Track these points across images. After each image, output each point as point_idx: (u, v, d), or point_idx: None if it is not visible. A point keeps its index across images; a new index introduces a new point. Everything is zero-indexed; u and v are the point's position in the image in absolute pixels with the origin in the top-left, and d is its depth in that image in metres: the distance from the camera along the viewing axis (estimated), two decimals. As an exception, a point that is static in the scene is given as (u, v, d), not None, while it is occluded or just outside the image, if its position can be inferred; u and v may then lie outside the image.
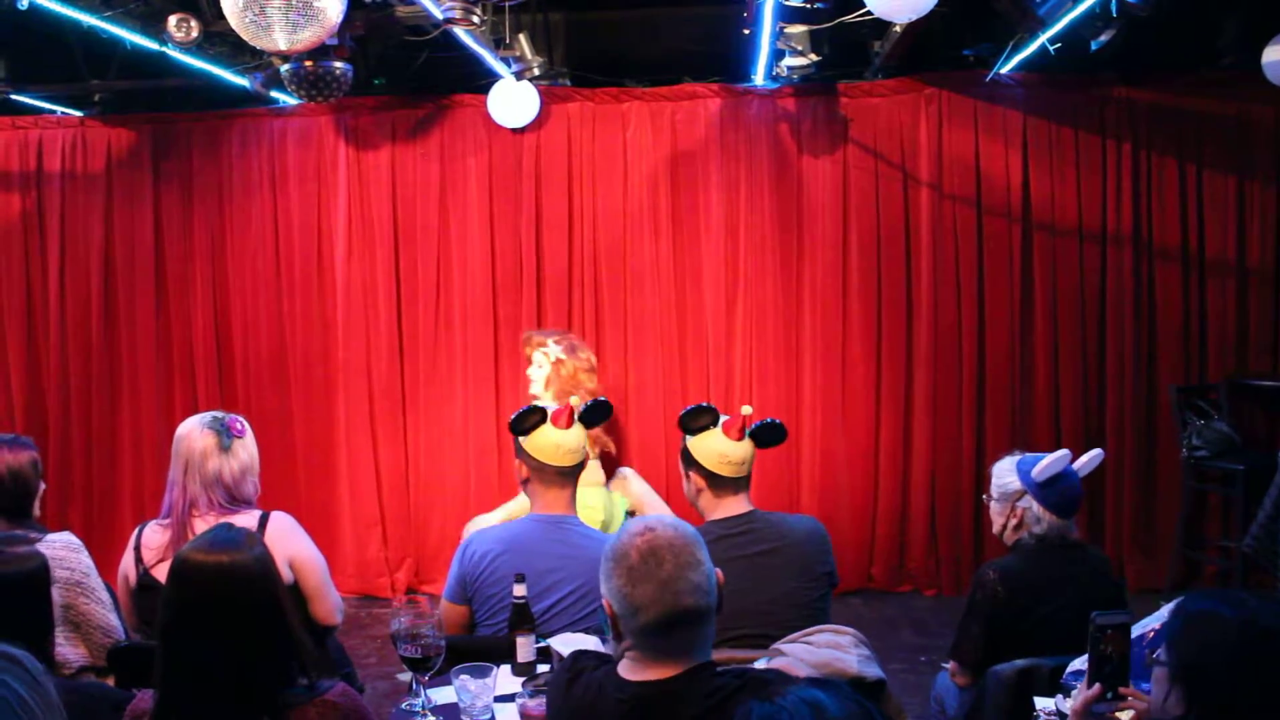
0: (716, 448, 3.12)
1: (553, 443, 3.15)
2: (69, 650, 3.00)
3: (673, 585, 1.93)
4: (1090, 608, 2.99)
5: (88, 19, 4.42)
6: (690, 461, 3.16)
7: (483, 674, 2.51)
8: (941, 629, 5.36)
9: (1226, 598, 1.96)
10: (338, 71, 4.79)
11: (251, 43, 3.68)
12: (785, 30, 4.99)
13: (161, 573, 3.03)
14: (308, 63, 4.72)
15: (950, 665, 3.24)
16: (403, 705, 2.64)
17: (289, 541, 3.11)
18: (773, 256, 6.03)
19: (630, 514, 5.05)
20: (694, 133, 6.04)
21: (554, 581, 3.02)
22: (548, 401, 4.81)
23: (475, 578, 3.06)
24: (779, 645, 2.72)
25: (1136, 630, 2.60)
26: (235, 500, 3.15)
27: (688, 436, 3.17)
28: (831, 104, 5.97)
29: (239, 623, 1.97)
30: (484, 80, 5.77)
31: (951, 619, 3.65)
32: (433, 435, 6.24)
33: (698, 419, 3.16)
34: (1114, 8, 4.28)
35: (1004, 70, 5.60)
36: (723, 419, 3.17)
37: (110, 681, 2.99)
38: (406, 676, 2.84)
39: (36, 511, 3.26)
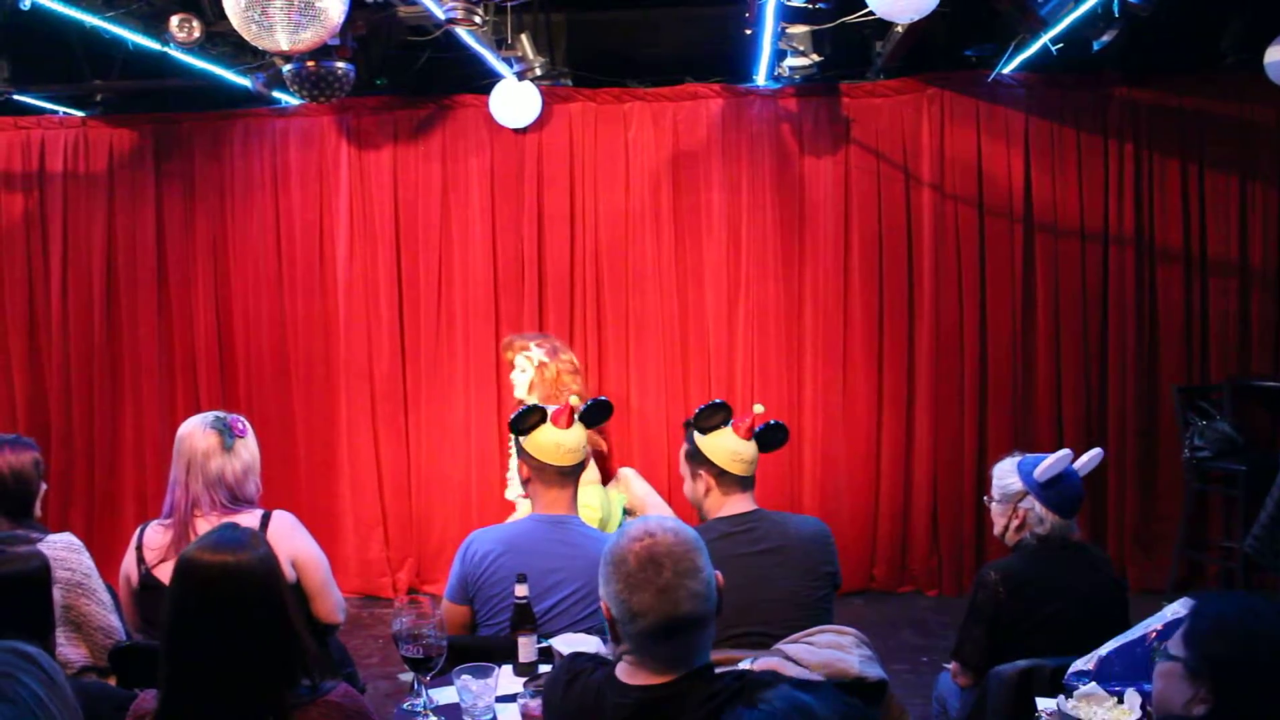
0: (729, 446, 3.13)
1: (553, 442, 3.16)
2: (70, 650, 3.00)
3: (671, 593, 1.92)
4: (1092, 608, 3.01)
5: (90, 19, 4.43)
6: (700, 459, 3.16)
7: (484, 674, 2.50)
8: (943, 629, 5.37)
9: (1249, 598, 1.97)
10: (340, 72, 4.79)
11: (253, 43, 3.68)
12: (787, 30, 4.99)
13: (163, 573, 3.03)
14: (310, 63, 4.72)
15: (952, 666, 3.24)
16: (404, 705, 2.64)
17: (291, 540, 3.11)
18: (774, 257, 6.03)
19: (628, 513, 5.05)
20: (696, 133, 6.04)
21: (556, 582, 3.02)
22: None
23: (477, 578, 3.06)
24: (780, 645, 2.72)
25: (1137, 631, 2.60)
26: (237, 500, 3.15)
27: (698, 434, 3.17)
28: (833, 104, 5.97)
29: (243, 623, 1.96)
30: (486, 80, 5.77)
31: (953, 619, 3.65)
32: (434, 435, 6.24)
33: (711, 417, 3.16)
34: (1116, 8, 4.28)
35: (1006, 70, 5.60)
36: (732, 418, 3.17)
37: (112, 682, 2.99)
38: (408, 676, 2.84)
39: (38, 512, 3.26)
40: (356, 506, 6.26)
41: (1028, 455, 3.26)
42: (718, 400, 3.22)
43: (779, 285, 6.04)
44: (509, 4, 4.90)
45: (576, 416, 3.22)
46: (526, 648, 2.78)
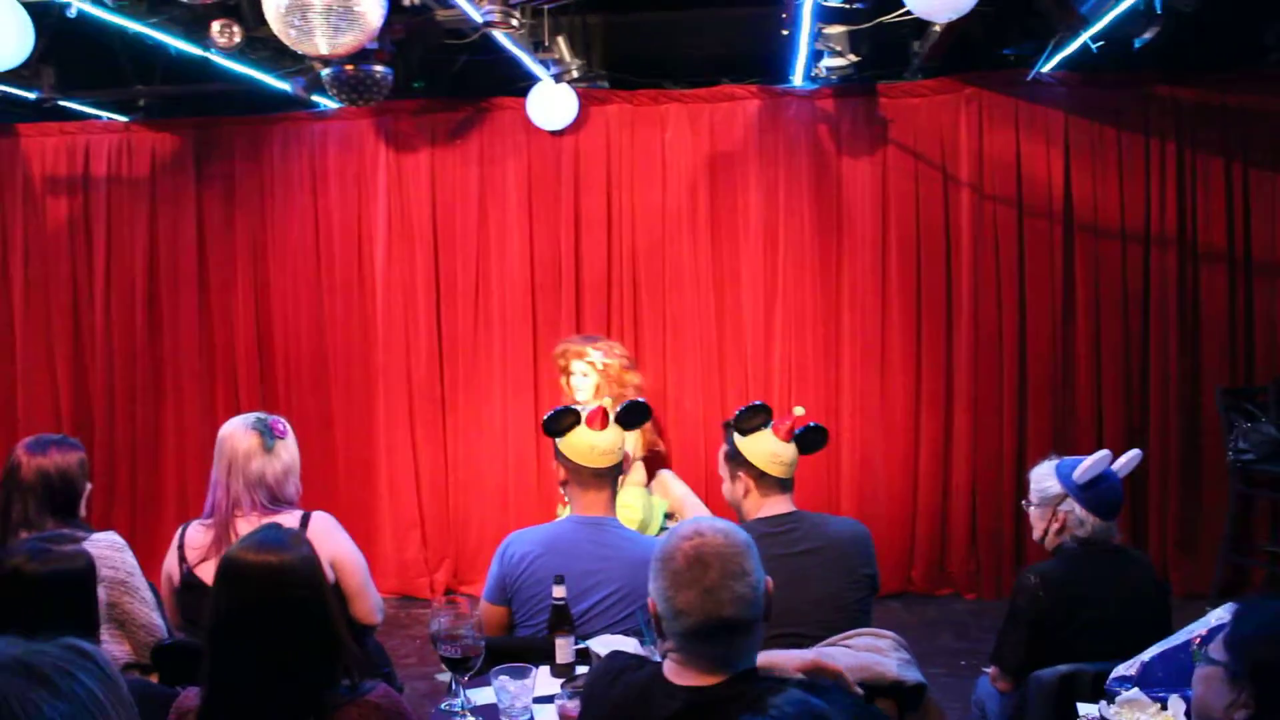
0: (769, 448, 3.12)
1: (587, 444, 3.16)
2: (114, 648, 3.04)
3: (715, 594, 1.91)
4: (1134, 613, 2.98)
5: (133, 26, 4.49)
6: (740, 461, 3.15)
7: (522, 675, 2.51)
8: (982, 633, 5.32)
9: None
10: (378, 75, 4.83)
11: (293, 47, 3.72)
12: (824, 31, 4.97)
13: (204, 572, 3.06)
14: (348, 66, 4.76)
15: (991, 670, 3.21)
16: (442, 705, 2.65)
17: (330, 541, 3.13)
18: (811, 258, 6.00)
19: (669, 516, 5.05)
20: (732, 134, 6.03)
21: (593, 583, 3.02)
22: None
23: (515, 579, 3.07)
24: (818, 648, 2.71)
25: (1181, 636, 2.57)
26: (277, 500, 3.17)
27: (737, 436, 3.16)
28: (870, 105, 5.93)
29: (286, 623, 1.98)
30: (523, 83, 5.79)
31: (992, 623, 3.62)
32: (472, 437, 6.26)
33: (751, 419, 3.16)
34: (1157, 5, 4.24)
35: (1045, 69, 5.55)
36: (772, 420, 3.16)
37: (154, 679, 3.03)
38: (446, 677, 2.86)
39: (83, 511, 3.30)
40: (394, 507, 6.29)
41: (1065, 458, 3.23)
42: (758, 402, 3.21)
43: (816, 286, 6.01)
44: (546, 6, 4.92)
45: (612, 418, 3.23)
46: (564, 649, 2.78)
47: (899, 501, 6.03)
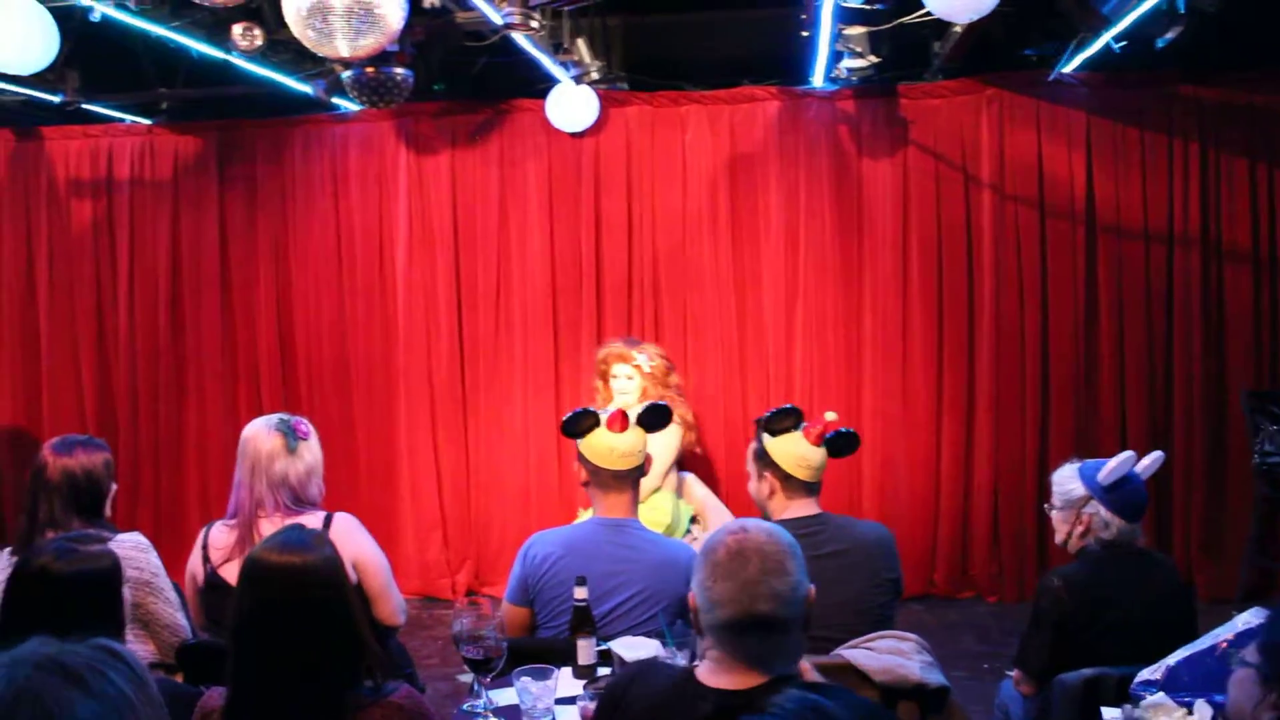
0: (796, 451, 3.11)
1: (606, 446, 3.16)
2: (138, 647, 3.06)
3: (752, 588, 1.90)
4: (1158, 616, 2.96)
5: (156, 29, 4.52)
6: (767, 461, 3.15)
7: (544, 676, 2.52)
8: (1004, 636, 5.30)
9: None
10: (398, 77, 4.84)
11: (314, 50, 3.74)
12: (844, 32, 4.95)
13: (228, 572, 3.08)
14: (369, 69, 4.77)
15: (1015, 673, 3.20)
16: (464, 706, 2.66)
17: (353, 542, 3.14)
18: (832, 259, 5.99)
19: (693, 521, 5.05)
20: (752, 136, 6.03)
21: (615, 585, 3.02)
22: None
23: (537, 580, 3.08)
24: (841, 650, 2.71)
25: (1206, 641, 2.55)
26: (300, 501, 3.19)
27: (766, 436, 3.15)
28: (891, 106, 5.92)
29: (309, 623, 1.99)
30: (543, 85, 5.80)
31: (1015, 626, 3.61)
32: (493, 438, 6.28)
33: (781, 421, 3.15)
34: (1180, 4, 4.21)
35: (1067, 69, 5.52)
36: (803, 423, 3.15)
37: (178, 679, 3.04)
38: (468, 677, 2.87)
39: (108, 512, 3.33)
40: (416, 508, 6.31)
41: (1087, 461, 3.21)
42: (789, 405, 3.20)
43: (837, 288, 6.00)
44: (565, 8, 4.92)
45: (634, 421, 3.23)
46: (586, 650, 2.79)
47: (921, 503, 6.01)
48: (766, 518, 3.15)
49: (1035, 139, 5.85)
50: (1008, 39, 5.60)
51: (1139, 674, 2.59)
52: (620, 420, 3.18)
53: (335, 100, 5.82)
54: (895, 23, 4.82)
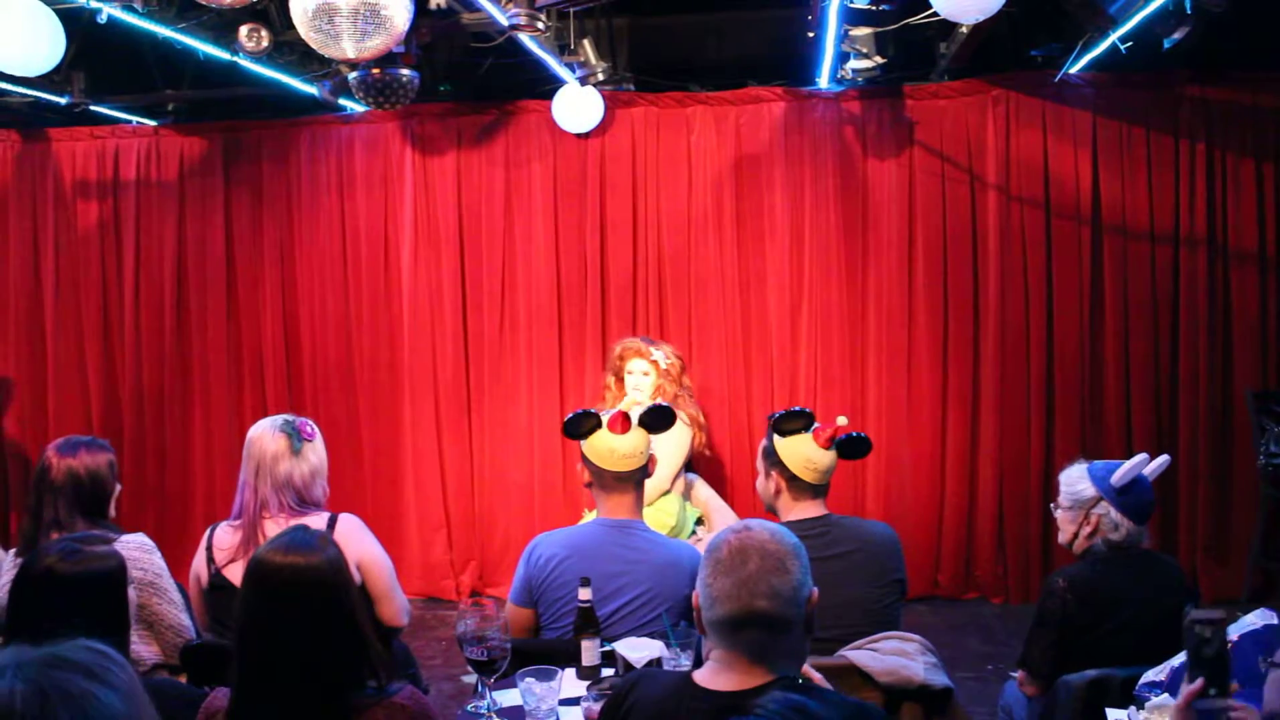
0: (804, 452, 3.11)
1: (607, 448, 3.16)
2: (142, 648, 3.07)
3: (751, 584, 1.91)
4: (1163, 617, 2.95)
5: (163, 31, 4.53)
6: (774, 460, 3.14)
7: (548, 677, 2.52)
8: (1009, 637, 5.30)
9: None
10: (404, 79, 4.85)
11: (320, 51, 3.74)
12: (850, 33, 4.95)
13: (232, 573, 3.09)
14: (375, 70, 4.78)
15: (1019, 674, 3.19)
16: (468, 707, 2.66)
17: (357, 543, 3.15)
18: (837, 260, 5.99)
19: (699, 522, 5.04)
20: (758, 136, 6.02)
21: (619, 586, 3.02)
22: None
23: (541, 581, 3.08)
24: (845, 651, 2.71)
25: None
26: (305, 502, 3.19)
27: (776, 436, 3.15)
28: (897, 107, 5.91)
29: (313, 624, 2.00)
30: (548, 86, 5.80)
31: (1019, 627, 3.60)
32: (498, 439, 6.28)
33: (791, 422, 3.15)
34: (1188, 4, 4.19)
35: (1073, 70, 5.52)
36: (814, 425, 3.15)
37: (182, 679, 3.05)
38: (471, 678, 2.87)
39: (112, 512, 3.34)
40: (420, 509, 6.32)
41: (1095, 461, 3.21)
42: (800, 408, 3.20)
43: (842, 289, 6.00)
44: (571, 9, 4.92)
45: (636, 422, 3.23)
46: (590, 651, 2.79)
47: (925, 504, 6.00)
48: (775, 516, 3.16)
49: (1041, 140, 5.84)
50: (1014, 40, 5.60)
51: (1144, 675, 2.59)
52: (621, 422, 3.19)
53: (341, 101, 5.82)
54: (901, 23, 4.81)
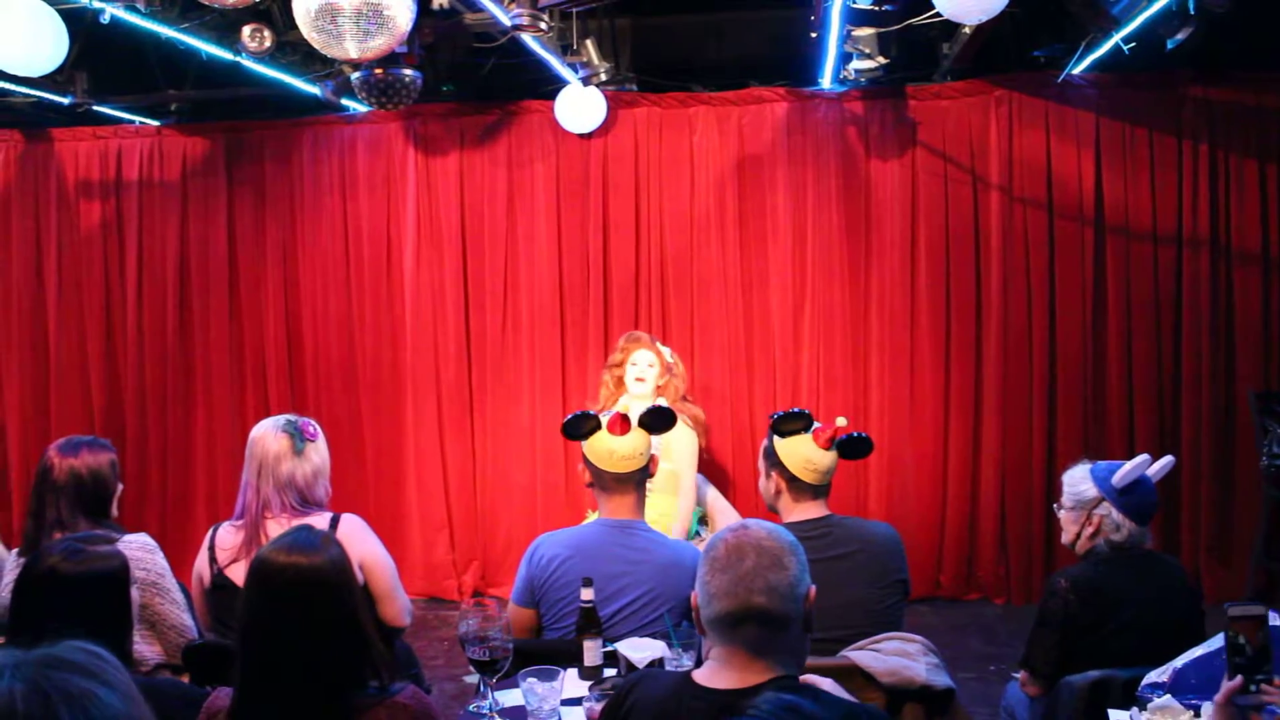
0: (803, 453, 3.11)
1: (607, 449, 3.17)
2: (145, 648, 3.07)
3: (747, 581, 1.91)
4: (1165, 618, 2.95)
5: (165, 31, 4.53)
6: (774, 461, 3.14)
7: (550, 677, 2.52)
8: (1011, 638, 5.29)
9: None
10: (407, 79, 4.85)
11: (323, 51, 3.75)
12: (853, 33, 4.95)
13: (235, 573, 3.09)
14: (378, 70, 4.78)
15: (1021, 675, 3.19)
16: (470, 707, 2.66)
17: (359, 543, 3.14)
18: (840, 260, 5.99)
19: (702, 522, 5.04)
20: (761, 137, 6.02)
21: (621, 586, 3.02)
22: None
23: (543, 581, 3.08)
24: (847, 652, 2.70)
25: (1214, 643, 2.54)
26: (307, 502, 3.19)
27: (776, 437, 3.15)
28: (899, 107, 5.91)
29: (316, 624, 2.00)
30: (551, 86, 5.81)
31: (1021, 628, 3.60)
32: (500, 439, 6.28)
33: (790, 422, 3.15)
34: (1191, 5, 4.19)
35: (1076, 71, 5.51)
36: (814, 426, 3.15)
37: (184, 679, 3.05)
38: (474, 678, 2.87)
39: (114, 512, 3.34)
40: (422, 509, 6.32)
41: (1098, 462, 3.20)
42: (799, 409, 3.20)
43: (845, 289, 5.99)
44: (574, 10, 4.92)
45: (638, 423, 3.23)
46: (592, 651, 2.79)
47: (927, 504, 6.00)
48: (777, 517, 3.16)
49: (1044, 140, 5.84)
50: (1016, 40, 5.60)
51: (1146, 676, 2.58)
52: (620, 423, 3.19)
53: (344, 101, 5.83)
54: (904, 24, 4.81)
